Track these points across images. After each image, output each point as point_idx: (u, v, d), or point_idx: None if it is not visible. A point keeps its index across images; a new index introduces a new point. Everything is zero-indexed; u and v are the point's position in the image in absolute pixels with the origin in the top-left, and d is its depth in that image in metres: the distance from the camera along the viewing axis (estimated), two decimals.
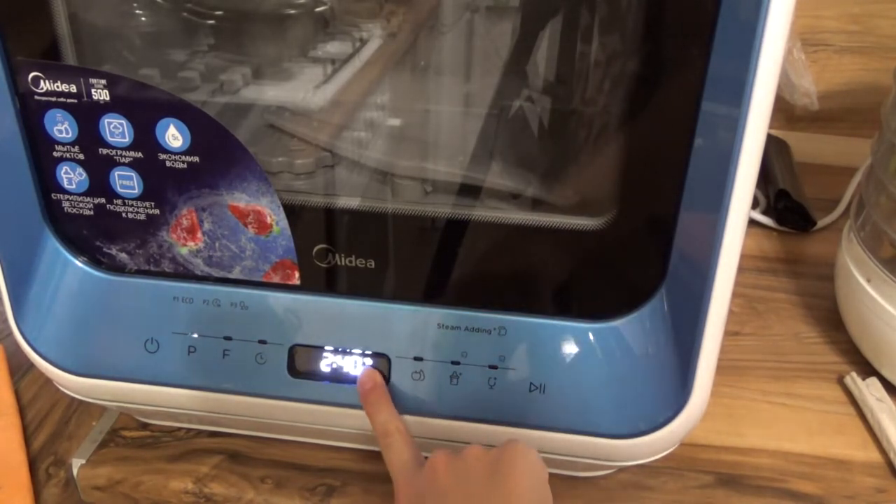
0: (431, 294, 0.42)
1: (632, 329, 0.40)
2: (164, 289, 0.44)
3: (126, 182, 0.41)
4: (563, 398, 0.41)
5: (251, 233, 0.42)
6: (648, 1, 0.35)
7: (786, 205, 0.75)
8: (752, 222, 0.74)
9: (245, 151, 0.40)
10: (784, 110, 0.86)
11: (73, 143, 0.41)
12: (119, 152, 0.41)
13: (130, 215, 0.42)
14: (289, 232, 0.42)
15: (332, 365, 0.43)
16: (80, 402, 0.49)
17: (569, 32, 0.43)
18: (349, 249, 0.42)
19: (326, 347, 0.43)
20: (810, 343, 0.60)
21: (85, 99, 0.39)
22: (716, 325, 0.38)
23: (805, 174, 0.81)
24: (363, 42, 0.49)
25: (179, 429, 0.52)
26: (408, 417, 0.43)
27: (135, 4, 0.46)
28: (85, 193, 0.42)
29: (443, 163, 0.47)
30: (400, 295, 0.42)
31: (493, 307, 0.42)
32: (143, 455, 0.50)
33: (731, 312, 0.39)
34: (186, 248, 0.43)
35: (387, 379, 0.43)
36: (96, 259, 0.44)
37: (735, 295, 0.38)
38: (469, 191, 0.44)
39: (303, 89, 0.49)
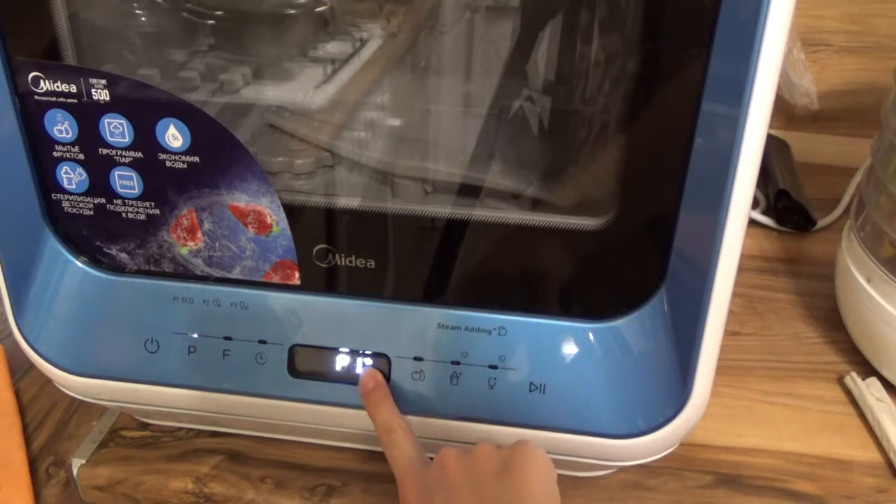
0: (431, 294, 0.42)
1: (632, 329, 0.40)
2: (165, 289, 0.44)
3: (126, 182, 0.42)
4: (563, 398, 0.41)
5: (251, 233, 0.42)
6: (648, 1, 0.35)
7: (786, 205, 0.75)
8: (752, 222, 0.74)
9: (245, 151, 0.40)
10: (784, 110, 0.86)
11: (73, 143, 0.41)
12: (119, 152, 0.41)
13: (130, 215, 0.42)
14: (289, 232, 0.42)
15: (332, 365, 0.43)
16: (81, 401, 0.49)
17: (569, 32, 0.43)
18: (349, 249, 0.42)
19: (327, 347, 0.43)
20: (810, 343, 0.60)
21: (85, 99, 0.39)
22: (716, 324, 0.38)
23: (805, 174, 0.81)
24: (363, 42, 0.49)
25: (179, 429, 0.52)
26: (408, 417, 0.43)
27: (135, 4, 0.46)
28: (85, 193, 0.42)
29: (443, 163, 0.47)
30: (400, 295, 0.42)
31: (493, 307, 0.42)
32: (144, 455, 0.50)
33: (731, 312, 0.39)
34: (186, 248, 0.43)
35: (387, 379, 0.43)
36: (96, 259, 0.44)
37: (735, 295, 0.38)
38: (469, 191, 0.44)
39: (303, 89, 0.49)
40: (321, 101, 0.48)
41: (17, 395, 0.55)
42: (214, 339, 0.43)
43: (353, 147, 0.48)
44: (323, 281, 0.43)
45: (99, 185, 0.42)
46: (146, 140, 0.40)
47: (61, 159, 0.41)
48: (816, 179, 0.81)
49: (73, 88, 0.39)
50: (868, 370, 0.56)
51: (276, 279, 0.43)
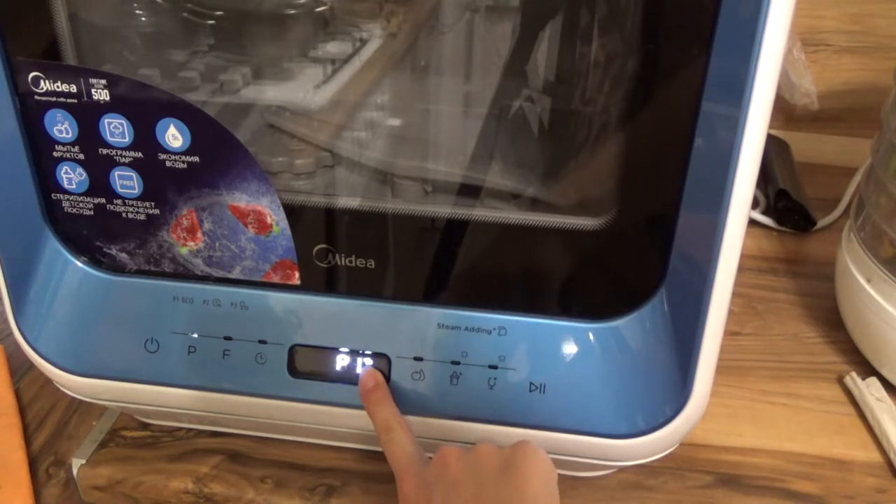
0: (431, 294, 0.42)
1: (632, 329, 0.40)
2: (165, 289, 0.44)
3: (126, 182, 0.42)
4: (563, 398, 0.41)
5: (251, 233, 0.42)
6: (648, 1, 0.35)
7: (786, 205, 0.75)
8: (752, 222, 0.74)
9: (245, 151, 0.40)
10: (784, 110, 0.86)
11: (73, 143, 0.41)
12: (119, 152, 0.41)
13: (130, 215, 0.42)
14: (289, 232, 0.42)
15: (332, 365, 0.43)
16: (81, 401, 0.49)
17: (569, 32, 0.43)
18: (349, 249, 0.42)
19: (326, 347, 0.43)
20: (810, 343, 0.60)
21: (85, 99, 0.39)
22: (716, 324, 0.38)
23: (805, 174, 0.81)
24: (363, 42, 0.49)
25: (179, 429, 0.52)
26: (408, 417, 0.43)
27: (135, 4, 0.46)
28: (85, 193, 0.42)
29: (443, 163, 0.47)
30: (400, 295, 0.43)
31: (493, 307, 0.42)
32: (144, 455, 0.50)
33: (731, 312, 0.39)
34: (186, 248, 0.43)
35: (387, 379, 0.43)
36: (96, 259, 0.44)
37: (735, 295, 0.38)
38: (469, 191, 0.44)
39: (303, 89, 0.49)
40: (321, 101, 0.48)
41: (18, 395, 0.55)
42: (214, 339, 0.43)
43: (353, 147, 0.48)
44: (323, 281, 0.43)
45: (99, 185, 0.42)
46: (146, 140, 0.40)
47: (61, 159, 0.41)
48: (816, 179, 0.81)
49: (74, 88, 0.39)
50: (868, 370, 0.56)
51: (276, 279, 0.43)
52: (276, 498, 0.47)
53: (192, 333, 0.44)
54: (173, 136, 0.40)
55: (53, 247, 0.44)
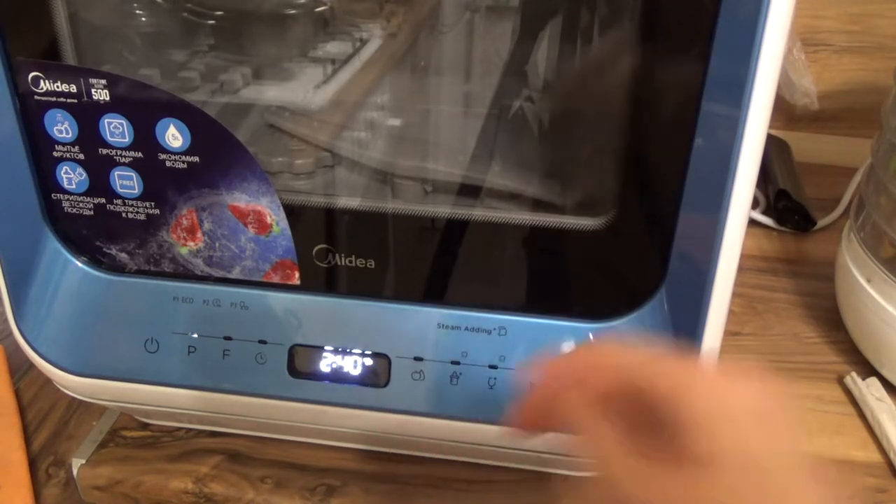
0: (431, 294, 0.42)
1: (632, 329, 0.40)
2: (165, 289, 0.44)
3: (126, 182, 0.42)
4: None
5: (251, 233, 0.42)
6: (648, 1, 0.35)
7: (786, 205, 0.75)
8: (752, 222, 0.74)
9: (245, 151, 0.40)
10: (784, 110, 0.86)
11: (73, 143, 0.41)
12: (119, 152, 0.41)
13: (130, 215, 0.42)
14: (289, 232, 0.42)
15: (332, 365, 0.43)
16: (81, 401, 0.49)
17: (569, 32, 0.43)
18: (349, 249, 0.42)
19: (326, 347, 0.43)
20: (810, 343, 0.60)
21: (85, 99, 0.39)
22: (716, 324, 0.38)
23: (805, 174, 0.81)
24: (363, 42, 0.49)
25: (179, 429, 0.52)
26: (408, 418, 0.43)
27: (135, 4, 0.46)
28: (85, 193, 0.42)
29: (443, 163, 0.47)
30: (400, 295, 0.42)
31: (493, 307, 0.42)
32: (144, 455, 0.50)
33: (731, 312, 0.39)
34: (186, 248, 0.43)
35: (387, 379, 0.43)
36: (96, 259, 0.44)
37: (735, 295, 0.38)
38: (469, 191, 0.44)
39: (303, 89, 0.49)
40: (321, 102, 0.48)
41: (17, 394, 0.55)
42: (214, 339, 0.43)
43: (353, 147, 0.48)
44: (323, 281, 0.43)
45: (99, 185, 0.42)
46: (146, 140, 0.40)
47: (61, 159, 0.41)
48: (816, 179, 0.81)
49: (73, 88, 0.39)
50: (868, 370, 0.56)
51: (275, 279, 0.43)
52: (276, 498, 0.47)
53: (192, 333, 0.44)
54: (173, 136, 0.40)
55: (53, 247, 0.44)
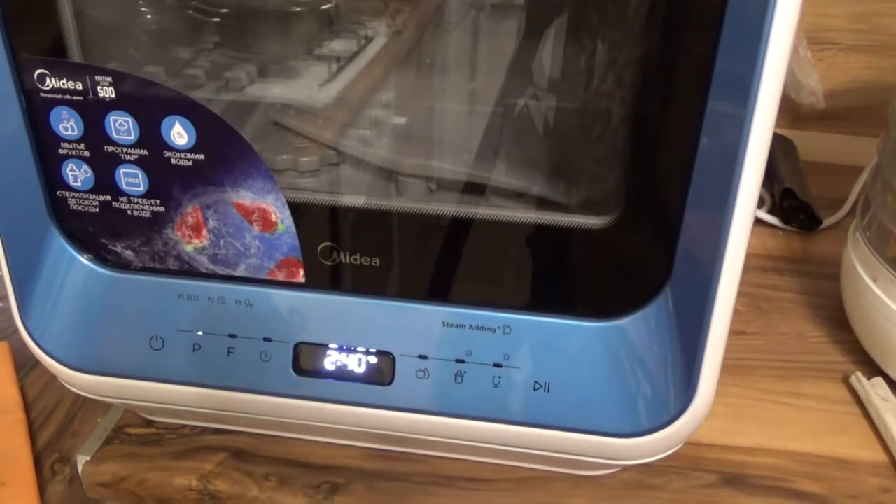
0: (436, 292, 0.42)
1: (637, 328, 0.40)
2: (169, 286, 0.44)
3: (131, 179, 0.42)
4: (567, 397, 0.41)
5: (256, 230, 0.42)
6: None
7: (791, 204, 0.75)
8: (758, 221, 0.74)
9: (250, 149, 0.40)
10: (790, 109, 0.85)
11: (78, 141, 0.41)
12: (124, 150, 0.41)
13: (136, 213, 0.43)
14: (294, 230, 0.42)
15: (336, 363, 0.43)
16: (85, 398, 0.49)
17: (574, 31, 0.43)
18: (354, 247, 0.42)
19: (331, 345, 0.43)
20: (815, 342, 0.60)
21: (91, 96, 0.40)
22: (721, 323, 0.38)
23: (811, 173, 0.81)
24: (368, 40, 0.49)
25: (184, 426, 0.52)
26: (412, 416, 0.43)
27: (140, 2, 0.46)
28: (90, 191, 0.42)
29: (448, 161, 0.47)
30: (404, 293, 0.42)
31: (497, 305, 0.42)
32: (148, 452, 0.50)
33: (735, 312, 0.39)
34: (191, 245, 0.43)
35: (392, 377, 0.43)
36: (101, 256, 0.44)
37: (740, 294, 0.38)
38: (474, 189, 0.44)
39: (308, 87, 0.49)
40: (326, 99, 0.48)
41: (22, 391, 0.55)
42: (219, 337, 0.44)
43: (358, 145, 0.48)
44: (328, 279, 0.43)
45: (104, 182, 0.42)
46: (152, 137, 0.40)
47: (67, 156, 0.41)
48: (822, 178, 0.80)
49: (79, 86, 0.39)
50: (873, 370, 0.56)
51: (280, 277, 0.43)
52: (280, 495, 0.47)
53: (197, 331, 0.44)
54: (179, 133, 0.40)
55: (59, 244, 0.44)
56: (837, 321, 0.61)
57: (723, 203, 0.36)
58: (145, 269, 0.44)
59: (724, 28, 0.33)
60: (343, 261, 0.42)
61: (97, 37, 0.41)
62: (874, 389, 0.54)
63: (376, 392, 0.43)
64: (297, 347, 0.43)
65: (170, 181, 0.41)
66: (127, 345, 0.44)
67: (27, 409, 0.54)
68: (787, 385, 0.56)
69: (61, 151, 0.41)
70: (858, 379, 0.55)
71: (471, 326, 0.42)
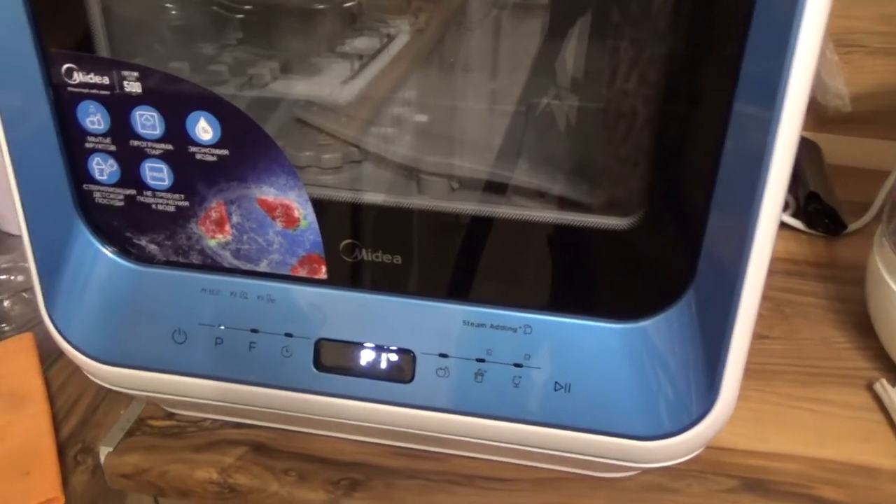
0: (457, 291, 0.42)
1: (659, 330, 0.40)
2: (193, 280, 0.44)
3: (156, 174, 0.42)
4: (588, 398, 0.41)
5: (279, 226, 0.42)
6: None
7: (816, 208, 0.74)
8: (782, 225, 0.73)
9: (274, 145, 0.40)
10: (815, 112, 0.84)
11: (104, 135, 0.41)
12: (150, 144, 0.41)
13: (160, 207, 0.43)
14: (316, 226, 0.42)
15: (357, 360, 0.43)
16: (109, 390, 0.49)
17: (598, 30, 0.43)
18: (375, 245, 0.42)
19: (352, 342, 0.43)
20: (839, 348, 0.60)
21: (117, 91, 0.40)
22: (744, 327, 0.38)
23: (836, 177, 0.80)
24: (390, 38, 0.49)
25: (205, 419, 0.52)
26: (432, 414, 0.43)
27: None
28: (116, 185, 0.43)
29: (469, 160, 0.47)
30: (426, 291, 0.42)
31: (518, 305, 0.42)
32: (170, 444, 0.51)
33: (759, 315, 0.38)
34: (215, 240, 0.43)
35: (412, 375, 0.43)
36: (126, 250, 0.45)
37: (763, 298, 0.38)
38: (496, 188, 0.44)
39: (330, 84, 0.49)
40: (348, 97, 0.49)
41: (47, 382, 0.55)
42: (241, 332, 0.44)
43: (380, 143, 0.48)
44: (349, 276, 0.43)
45: (130, 176, 0.42)
46: (177, 132, 0.40)
47: (93, 150, 0.42)
48: (847, 182, 0.79)
49: (106, 80, 0.40)
50: None
51: (302, 273, 0.43)
52: (300, 490, 0.48)
53: (220, 325, 0.44)
54: (203, 128, 0.40)
55: (84, 237, 0.44)
56: (862, 327, 0.60)
57: (748, 206, 0.35)
58: (169, 263, 0.45)
59: (751, 28, 0.33)
60: (365, 258, 0.42)
61: (124, 32, 0.41)
62: None
63: (396, 389, 0.43)
64: (318, 343, 0.43)
65: (194, 176, 0.42)
66: (150, 338, 0.45)
67: (51, 399, 0.54)
68: (809, 391, 0.55)
69: (88, 145, 0.42)
70: (883, 386, 0.54)
71: (492, 326, 0.42)
